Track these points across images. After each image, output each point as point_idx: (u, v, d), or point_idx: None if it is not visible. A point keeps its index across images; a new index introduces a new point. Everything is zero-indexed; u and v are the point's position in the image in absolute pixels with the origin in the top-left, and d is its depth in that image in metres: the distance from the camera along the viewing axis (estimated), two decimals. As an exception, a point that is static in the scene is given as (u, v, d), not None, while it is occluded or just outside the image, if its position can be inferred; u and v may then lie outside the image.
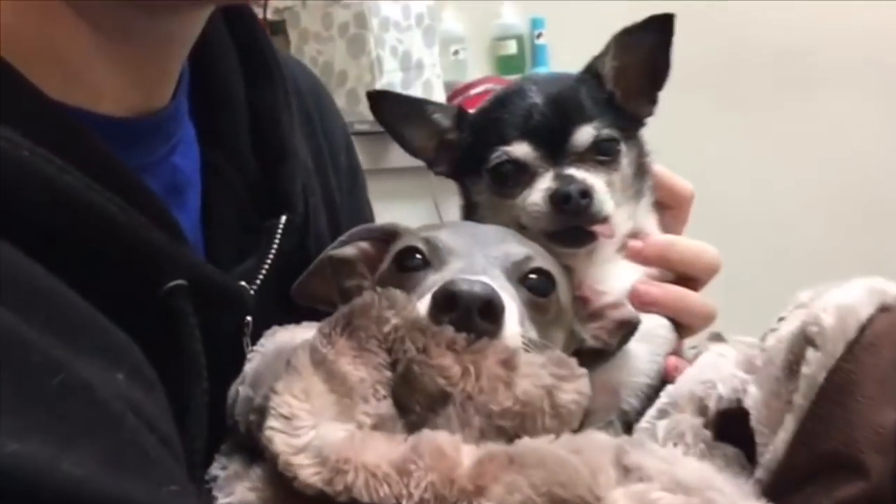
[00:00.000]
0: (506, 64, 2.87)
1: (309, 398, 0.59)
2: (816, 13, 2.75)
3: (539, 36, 2.87)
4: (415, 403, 0.61)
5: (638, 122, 0.97)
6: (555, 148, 0.90)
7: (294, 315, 0.82)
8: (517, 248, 0.77)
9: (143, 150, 0.75)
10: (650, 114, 0.98)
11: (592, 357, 0.83)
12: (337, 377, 0.61)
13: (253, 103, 0.89)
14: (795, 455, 0.63)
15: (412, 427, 0.61)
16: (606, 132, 0.91)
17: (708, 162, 2.23)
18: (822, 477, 0.61)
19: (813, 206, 2.83)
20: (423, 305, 0.65)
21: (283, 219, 0.84)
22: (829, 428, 0.61)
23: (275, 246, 0.82)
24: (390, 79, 2.43)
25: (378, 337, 0.63)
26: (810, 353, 0.64)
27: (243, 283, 0.77)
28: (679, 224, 0.99)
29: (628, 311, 0.85)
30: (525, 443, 0.58)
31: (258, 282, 0.79)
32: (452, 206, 2.48)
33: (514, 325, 0.67)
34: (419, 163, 2.53)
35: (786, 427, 0.65)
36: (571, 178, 0.87)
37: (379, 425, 0.60)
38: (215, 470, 0.67)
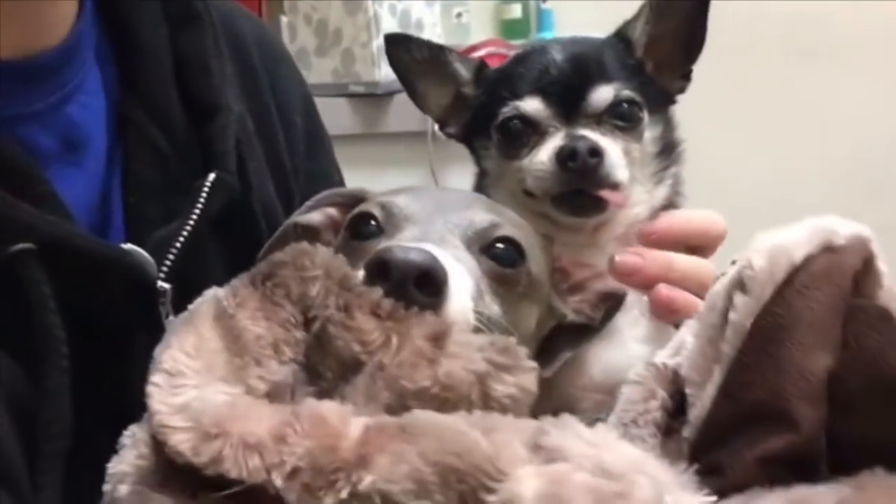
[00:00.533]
0: (510, 28, 2.79)
1: (199, 354, 0.54)
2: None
3: (545, 0, 2.82)
4: (326, 369, 0.55)
5: (668, 99, 0.90)
6: (569, 106, 0.83)
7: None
8: (482, 214, 0.71)
9: (22, 96, 0.69)
10: (682, 90, 0.90)
11: (576, 333, 0.78)
12: (233, 333, 0.55)
13: (178, 50, 0.82)
14: (721, 407, 0.58)
15: (321, 396, 0.55)
16: (627, 94, 0.83)
17: (714, 131, 2.16)
18: (748, 429, 0.56)
19: (823, 179, 2.75)
20: (360, 274, 0.59)
21: (212, 177, 0.78)
22: (756, 377, 0.56)
23: (199, 206, 0.76)
24: (388, 39, 2.37)
25: (294, 292, 0.57)
26: (738, 298, 0.58)
27: (130, 246, 0.71)
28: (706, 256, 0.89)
29: (612, 283, 0.79)
30: (422, 413, 0.51)
31: (178, 245, 0.74)
32: (450, 173, 2.44)
33: (464, 298, 0.61)
34: (416, 127, 2.48)
35: (714, 379, 0.60)
36: (582, 137, 0.81)
37: (274, 393, 0.54)
38: (125, 438, 0.61)
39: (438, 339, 0.55)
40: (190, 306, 0.69)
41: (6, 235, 0.60)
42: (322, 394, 0.55)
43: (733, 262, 0.65)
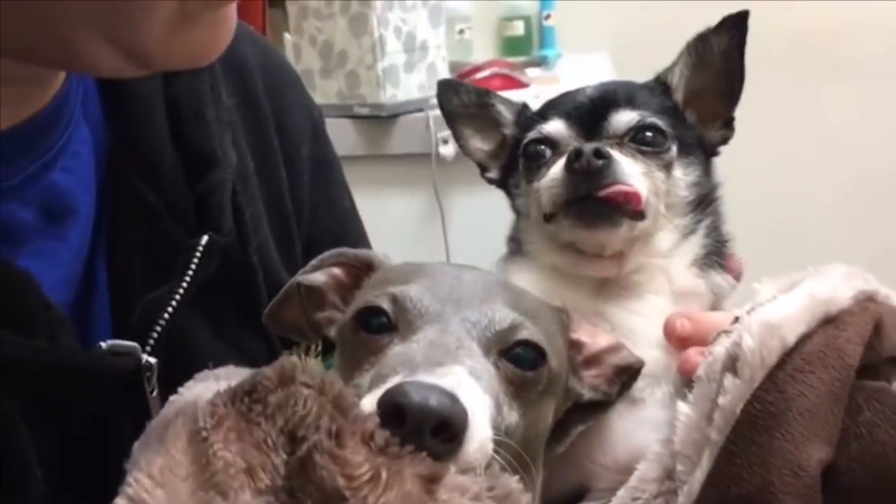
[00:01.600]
0: (512, 45, 2.79)
1: (165, 481, 0.49)
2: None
3: (548, 17, 2.78)
4: (306, 497, 0.50)
5: (710, 149, 0.86)
6: (590, 127, 0.81)
7: (249, 338, 0.74)
8: (502, 311, 0.64)
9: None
10: (725, 140, 0.86)
11: (591, 407, 0.74)
12: (202, 459, 0.51)
13: (171, 95, 0.77)
14: (706, 500, 0.55)
15: None
16: (651, 120, 0.80)
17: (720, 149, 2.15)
18: None
19: (828, 197, 2.73)
20: (368, 403, 0.54)
21: (204, 240, 0.74)
22: (742, 469, 0.53)
23: (190, 271, 0.72)
24: (393, 60, 2.36)
25: (279, 410, 0.52)
26: (728, 381, 0.56)
27: (110, 343, 0.67)
28: None
29: (628, 354, 0.74)
30: None
31: (167, 314, 0.70)
32: (453, 194, 2.43)
33: (483, 433, 0.55)
34: (420, 149, 2.47)
35: (703, 465, 0.57)
36: (593, 144, 0.78)
37: None
38: None
39: (432, 481, 0.50)
40: (181, 389, 0.66)
41: None
42: None
43: (736, 320, 0.62)
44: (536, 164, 0.83)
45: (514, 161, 0.88)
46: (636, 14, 2.66)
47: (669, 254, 0.81)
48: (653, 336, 0.77)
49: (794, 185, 2.73)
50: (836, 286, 0.59)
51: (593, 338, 0.75)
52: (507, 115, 0.91)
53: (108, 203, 0.73)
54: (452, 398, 0.52)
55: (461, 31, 2.66)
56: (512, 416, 0.62)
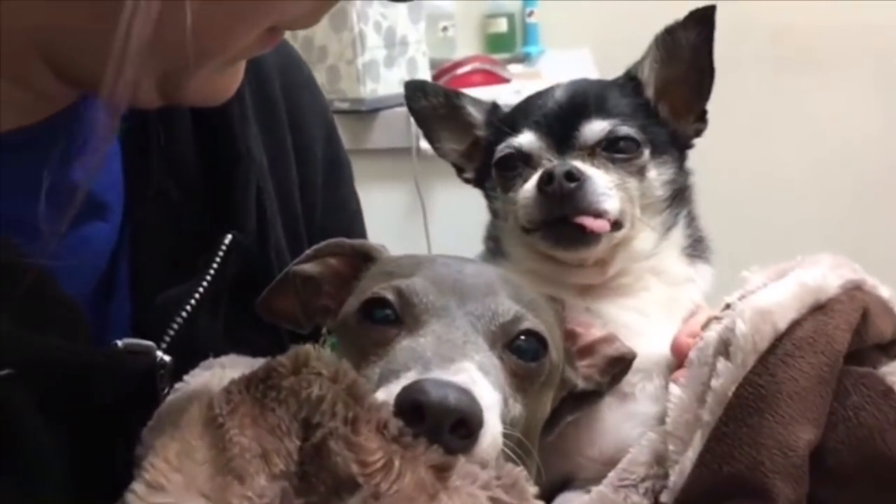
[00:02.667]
0: (495, 42, 2.80)
1: (182, 465, 0.50)
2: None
3: (531, 14, 2.80)
4: (320, 483, 0.50)
5: (682, 143, 0.87)
6: (561, 139, 0.81)
7: (260, 336, 0.73)
8: (505, 303, 0.65)
9: (16, 168, 0.61)
10: (699, 133, 0.87)
11: (581, 397, 0.75)
12: (219, 445, 0.51)
13: None
14: (698, 478, 0.56)
15: None
16: (624, 130, 0.81)
17: (699, 141, 2.16)
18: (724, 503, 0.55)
19: (806, 190, 2.76)
20: (385, 397, 0.55)
21: (228, 238, 0.73)
22: (734, 449, 0.54)
23: (212, 270, 0.72)
24: (373, 55, 2.36)
25: (292, 396, 0.52)
26: (720, 364, 0.57)
27: (126, 341, 0.66)
28: None
29: (621, 345, 0.75)
30: None
31: (185, 311, 0.70)
32: (434, 189, 2.43)
33: (496, 428, 0.56)
34: (401, 144, 2.47)
35: (694, 445, 0.58)
36: (563, 164, 0.78)
37: None
38: None
39: (443, 469, 0.50)
40: (186, 377, 0.67)
41: None
42: None
43: (727, 306, 0.64)
44: (511, 174, 0.83)
45: (489, 164, 0.87)
46: (618, 11, 2.68)
47: (652, 253, 0.82)
48: (647, 330, 0.78)
49: (773, 180, 2.76)
50: (824, 275, 0.61)
51: (587, 329, 0.76)
52: (477, 115, 0.91)
53: (132, 199, 0.72)
54: (469, 395, 0.53)
55: (444, 29, 2.67)
56: (516, 408, 0.63)
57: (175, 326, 0.70)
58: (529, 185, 0.79)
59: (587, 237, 0.77)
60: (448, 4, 2.72)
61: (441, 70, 2.58)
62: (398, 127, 2.27)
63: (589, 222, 0.76)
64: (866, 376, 0.57)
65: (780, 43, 2.73)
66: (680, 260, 0.83)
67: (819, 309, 0.59)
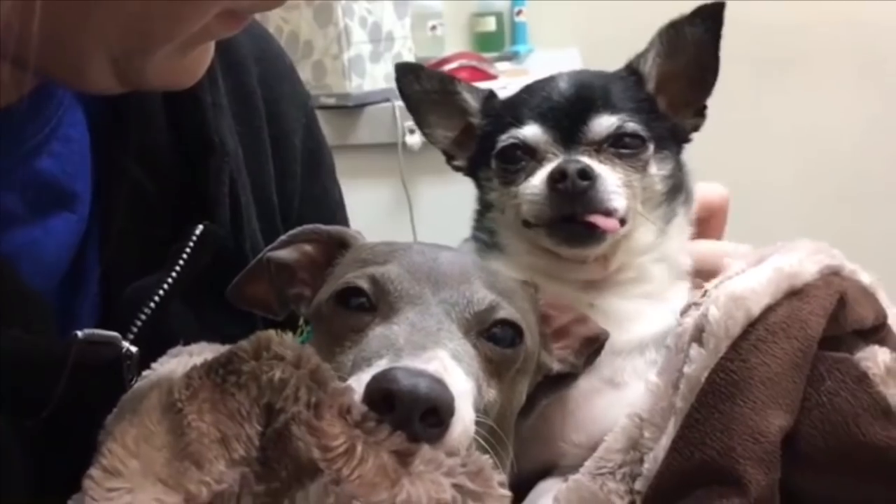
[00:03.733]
0: (484, 41, 2.81)
1: (139, 451, 0.50)
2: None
3: (519, 13, 2.80)
4: (282, 468, 0.50)
5: (681, 137, 0.86)
6: (568, 133, 0.79)
7: (234, 325, 0.72)
8: (480, 291, 0.65)
9: None
10: (696, 128, 0.86)
11: (556, 380, 0.74)
12: (177, 430, 0.51)
13: None
14: (672, 464, 0.56)
15: (274, 497, 0.50)
16: (631, 126, 0.79)
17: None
18: (695, 491, 0.54)
19: (791, 188, 2.77)
20: (356, 385, 0.54)
21: (199, 229, 0.72)
22: (705, 435, 0.54)
23: (181, 261, 0.70)
24: (358, 50, 2.35)
25: (253, 381, 0.51)
26: (693, 351, 0.57)
27: (88, 332, 0.64)
28: (716, 231, 0.87)
29: (594, 325, 0.75)
30: None
31: (153, 302, 0.69)
32: (420, 184, 2.42)
33: (467, 416, 0.55)
34: (387, 139, 2.46)
35: (668, 432, 0.58)
36: (575, 160, 0.76)
37: (218, 500, 0.49)
38: None
39: (406, 454, 0.49)
40: (154, 364, 0.66)
41: None
42: (272, 494, 0.50)
43: (705, 293, 0.63)
44: (514, 167, 0.81)
45: (483, 153, 0.86)
46: (606, 10, 2.68)
47: (653, 246, 0.81)
48: (657, 316, 0.77)
49: (755, 176, 2.77)
50: (801, 260, 0.60)
51: (560, 312, 0.75)
52: (472, 102, 0.88)
53: (102, 189, 0.71)
54: (441, 384, 0.53)
55: (433, 28, 2.66)
56: (490, 394, 0.62)
57: (143, 317, 0.69)
58: (537, 181, 0.77)
59: (595, 235, 0.76)
60: (437, 3, 2.71)
61: (428, 66, 2.57)
62: (384, 122, 2.27)
63: (601, 221, 0.75)
64: (841, 361, 0.56)
65: (764, 41, 2.74)
66: (681, 251, 0.82)
67: (795, 294, 0.58)
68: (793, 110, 2.76)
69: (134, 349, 0.67)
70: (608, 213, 0.75)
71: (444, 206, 2.32)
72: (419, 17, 2.61)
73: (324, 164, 1.00)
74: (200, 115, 0.75)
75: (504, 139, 0.82)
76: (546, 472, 0.77)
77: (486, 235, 0.87)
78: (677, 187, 0.84)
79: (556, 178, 0.75)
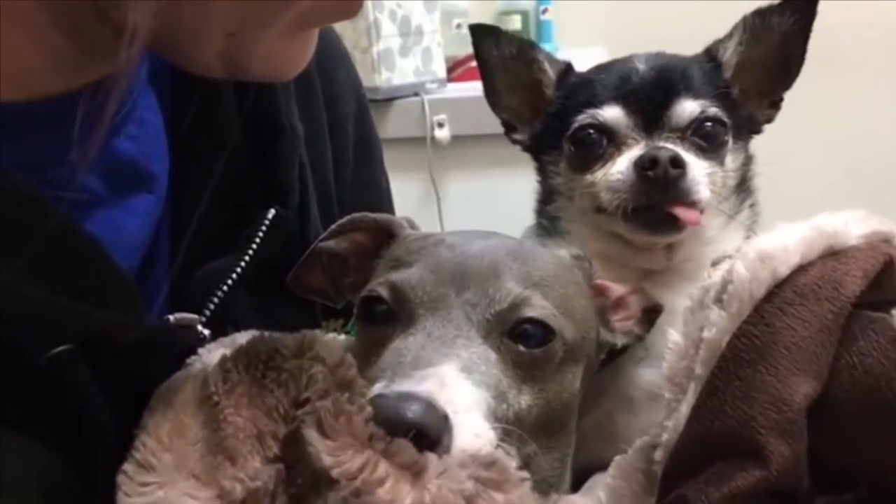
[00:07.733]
0: (510, 40, 2.78)
1: (173, 444, 0.49)
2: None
3: (545, 12, 2.76)
4: (297, 474, 0.49)
5: (755, 128, 0.83)
6: (651, 117, 0.77)
7: (292, 313, 0.73)
8: (505, 287, 0.63)
9: (56, 138, 0.54)
10: (770, 119, 0.84)
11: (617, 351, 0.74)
12: (213, 424, 0.50)
13: None
14: (691, 433, 0.52)
15: (293, 501, 0.49)
16: (714, 111, 0.77)
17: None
18: (716, 462, 0.50)
19: (824, 187, 2.71)
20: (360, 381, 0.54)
21: (271, 213, 0.72)
22: (725, 404, 0.50)
23: (254, 244, 0.70)
24: (388, 44, 2.33)
25: (295, 383, 0.51)
26: (714, 314, 0.53)
27: (176, 316, 0.65)
28: None
29: (651, 296, 0.74)
30: None
31: (226, 286, 0.68)
32: (448, 178, 2.40)
33: (474, 424, 0.55)
34: (415, 133, 2.44)
35: (688, 398, 0.54)
36: (664, 147, 0.74)
37: (252, 498, 0.48)
38: None
39: (418, 468, 0.48)
40: (201, 351, 0.65)
41: (44, 335, 0.54)
42: (294, 499, 0.49)
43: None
44: (590, 153, 0.78)
45: (553, 133, 0.83)
46: (632, 9, 2.65)
47: (719, 238, 0.79)
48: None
49: (791, 174, 2.71)
50: (847, 222, 0.56)
51: (613, 285, 0.74)
52: (550, 73, 0.86)
53: (176, 171, 0.71)
54: (427, 405, 0.52)
55: (458, 26, 2.65)
56: (522, 400, 0.61)
57: (215, 300, 0.68)
58: (622, 167, 0.75)
59: (676, 223, 0.73)
60: (463, 3, 2.70)
61: (456, 62, 2.55)
62: (413, 116, 2.26)
63: (682, 213, 0.73)
64: (876, 322, 0.52)
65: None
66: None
67: (832, 255, 0.54)
68: (826, 111, 2.71)
69: (207, 332, 0.67)
70: (693, 203, 0.73)
71: (473, 200, 2.30)
72: (445, 15, 2.59)
73: (374, 152, 0.99)
74: (269, 97, 0.75)
75: (581, 119, 0.79)
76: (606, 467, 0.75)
77: (548, 221, 0.85)
78: (746, 180, 0.82)
79: (646, 165, 0.72)
